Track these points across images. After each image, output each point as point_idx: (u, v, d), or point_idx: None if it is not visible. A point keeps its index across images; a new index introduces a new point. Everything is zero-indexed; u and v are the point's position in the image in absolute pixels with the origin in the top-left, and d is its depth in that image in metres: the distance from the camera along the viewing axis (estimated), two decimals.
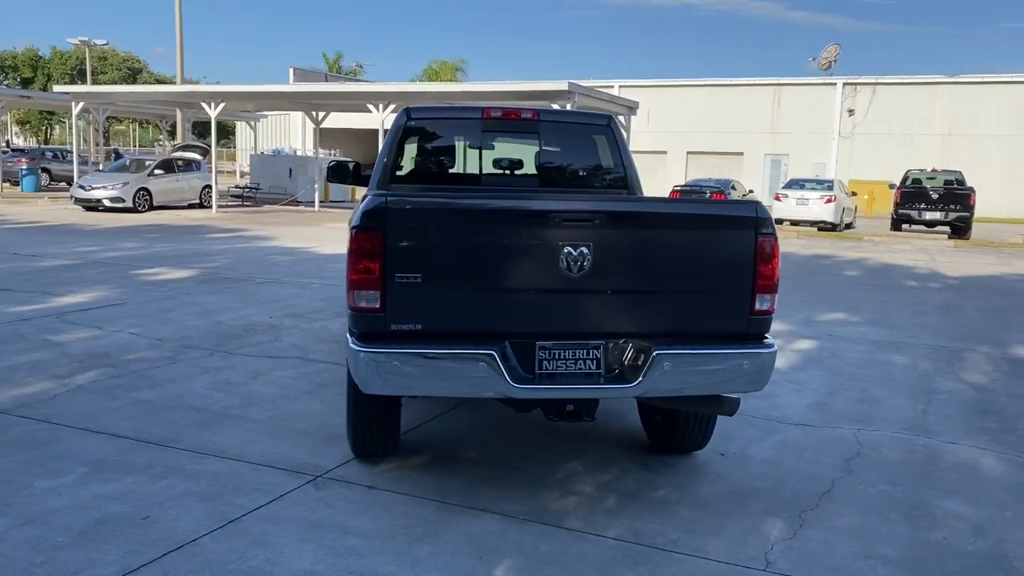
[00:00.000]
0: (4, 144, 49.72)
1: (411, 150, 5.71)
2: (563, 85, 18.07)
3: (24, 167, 30.21)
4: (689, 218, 3.94)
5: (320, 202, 25.65)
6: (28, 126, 72.84)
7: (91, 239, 15.79)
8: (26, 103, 35.03)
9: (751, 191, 28.05)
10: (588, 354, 3.81)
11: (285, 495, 4.14)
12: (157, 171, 23.47)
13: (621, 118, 22.36)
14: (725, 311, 3.89)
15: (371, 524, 3.85)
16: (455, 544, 3.67)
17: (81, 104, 24.39)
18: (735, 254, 3.85)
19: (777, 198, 24.26)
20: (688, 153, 40.38)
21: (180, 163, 24.72)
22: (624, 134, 5.82)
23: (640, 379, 3.74)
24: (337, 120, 45.65)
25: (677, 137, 40.32)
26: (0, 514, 3.83)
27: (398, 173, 5.59)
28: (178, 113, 29.82)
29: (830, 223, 23.14)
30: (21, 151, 36.97)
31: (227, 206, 25.53)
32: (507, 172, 5.81)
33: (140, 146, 71.26)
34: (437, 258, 3.68)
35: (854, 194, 27.00)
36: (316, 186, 26.04)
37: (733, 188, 25.92)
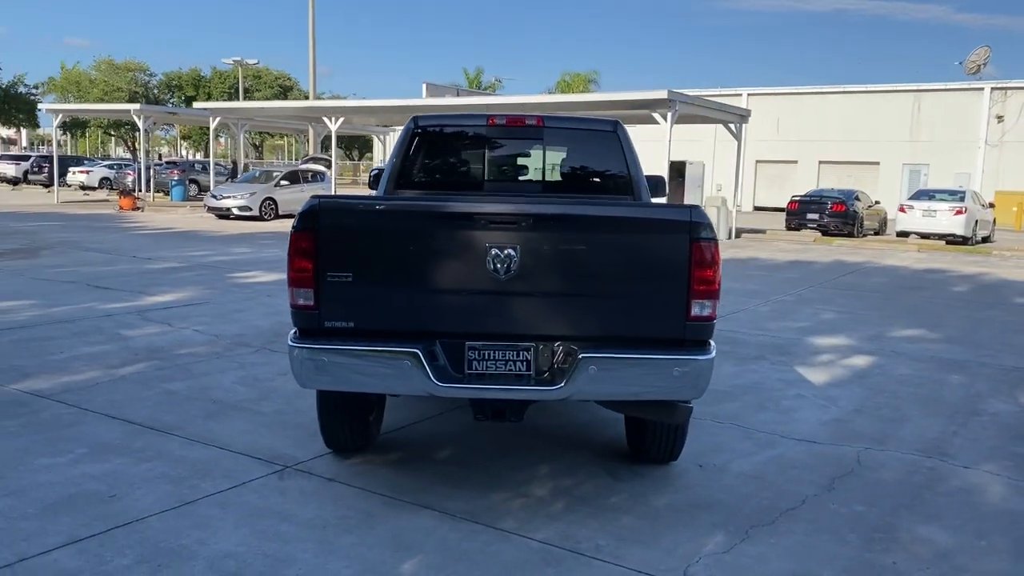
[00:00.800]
0: (158, 157, 53.67)
1: (417, 157, 5.87)
2: (662, 94, 17.85)
3: (175, 178, 32.62)
4: (620, 221, 3.89)
5: None
6: (191, 140, 78.29)
7: (207, 244, 16.88)
8: (172, 119, 37.66)
9: (877, 202, 26.69)
10: (518, 356, 3.84)
11: (248, 483, 4.37)
12: (283, 182, 24.79)
13: (732, 126, 21.85)
14: (660, 316, 3.82)
15: (311, 513, 4.01)
16: (380, 537, 3.78)
17: (218, 119, 26.09)
18: (669, 259, 3.78)
19: (902, 209, 23.01)
20: (820, 163, 38.87)
21: (308, 175, 25.99)
22: (632, 140, 5.77)
23: (565, 382, 3.74)
24: None
25: (808, 146, 38.91)
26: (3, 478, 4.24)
27: (404, 179, 5.76)
28: (310, 127, 31.35)
29: (960, 236, 21.72)
30: (174, 163, 39.87)
31: None
32: (509, 178, 5.87)
33: (295, 159, 75.25)
34: (367, 258, 3.81)
35: (991, 206, 25.21)
36: None
37: (857, 199, 24.75)
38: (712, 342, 3.97)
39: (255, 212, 23.42)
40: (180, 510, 4.00)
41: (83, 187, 39.38)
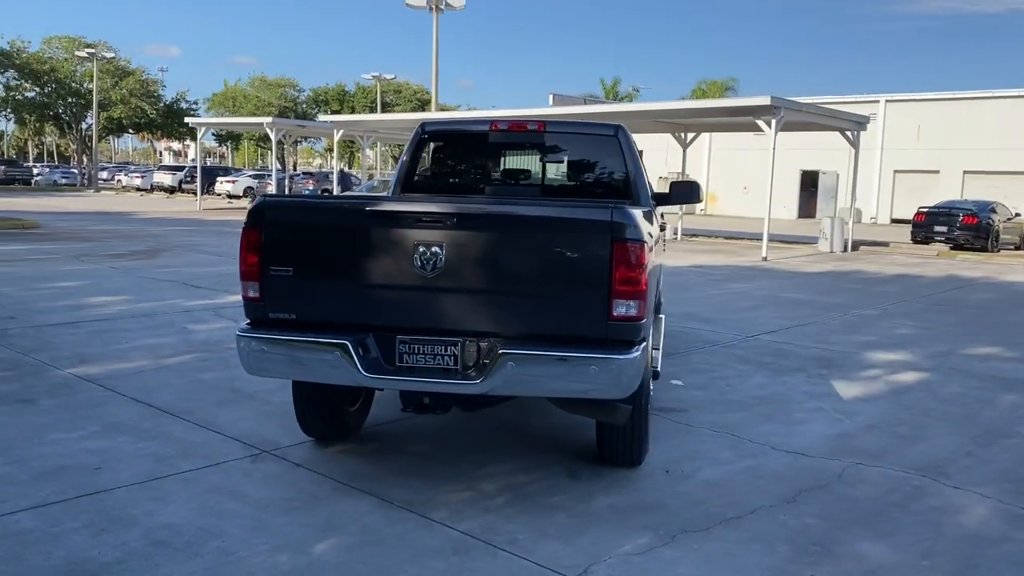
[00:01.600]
0: (292, 167, 56.53)
1: (424, 161, 6.08)
2: (765, 100, 17.37)
3: (309, 188, 34.41)
4: (541, 221, 3.94)
5: None
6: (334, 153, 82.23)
7: None
8: (301, 131, 39.59)
9: (1018, 214, 24.87)
10: (445, 351, 3.96)
11: (222, 463, 4.68)
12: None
13: (849, 133, 20.98)
14: (581, 315, 3.85)
15: (262, 494, 4.26)
16: (313, 519, 3.98)
17: (341, 131, 27.32)
18: (589, 259, 3.81)
19: None
20: (965, 172, 36.61)
21: None
22: (634, 144, 5.77)
23: (485, 377, 3.83)
24: None
25: (952, 155, 36.76)
26: (7, 450, 4.73)
27: (409, 183, 5.99)
28: None
29: None
30: (309, 174, 41.98)
31: None
32: (510, 182, 5.99)
33: None
34: (306, 253, 4.04)
35: None
36: None
37: (993, 211, 23.20)
38: (643, 342, 3.95)
39: None
40: (147, 484, 4.34)
41: (229, 196, 42.09)
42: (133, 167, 67.90)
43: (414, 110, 74.57)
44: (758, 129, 18.48)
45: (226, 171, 48.07)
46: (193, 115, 60.87)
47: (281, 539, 3.75)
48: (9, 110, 63.16)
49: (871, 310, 11.35)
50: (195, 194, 42.33)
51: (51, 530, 3.77)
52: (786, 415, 5.99)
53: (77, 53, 55.32)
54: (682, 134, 23.55)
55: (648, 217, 5.07)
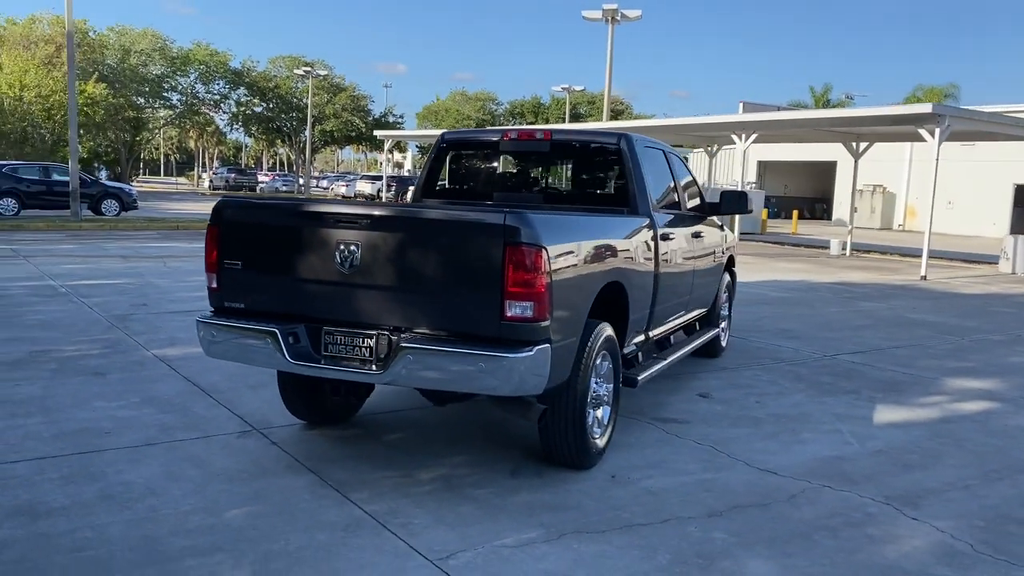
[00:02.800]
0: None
1: (441, 170, 6.41)
2: (926, 108, 16.18)
3: None
4: (440, 224, 4.14)
5: None
6: None
7: None
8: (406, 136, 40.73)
9: None
10: (362, 342, 4.27)
11: (211, 436, 5.24)
12: None
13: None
14: (478, 314, 4.03)
15: (222, 464, 4.76)
16: (246, 489, 4.41)
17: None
18: (484, 261, 3.98)
19: None
20: None
21: None
22: (642, 153, 5.77)
23: (388, 369, 4.11)
24: (787, 153, 45.21)
25: None
26: (45, 412, 5.55)
27: (428, 190, 6.34)
28: None
29: None
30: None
31: None
32: (516, 189, 6.18)
33: None
34: (251, 249, 4.49)
35: None
36: None
37: None
38: (545, 343, 4.05)
39: None
40: (137, 449, 4.96)
41: None
42: (350, 176, 72.93)
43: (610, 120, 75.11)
44: (920, 139, 17.21)
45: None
46: (398, 128, 64.58)
47: (207, 503, 4.20)
48: (239, 124, 69.95)
49: (999, 336, 10.40)
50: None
51: (33, 478, 4.43)
52: (793, 434, 5.77)
53: (296, 71, 60.30)
54: (854, 144, 22.31)
55: (626, 224, 5.15)
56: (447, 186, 6.37)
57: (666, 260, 5.89)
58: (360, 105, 66.99)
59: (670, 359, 6.19)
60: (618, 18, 32.47)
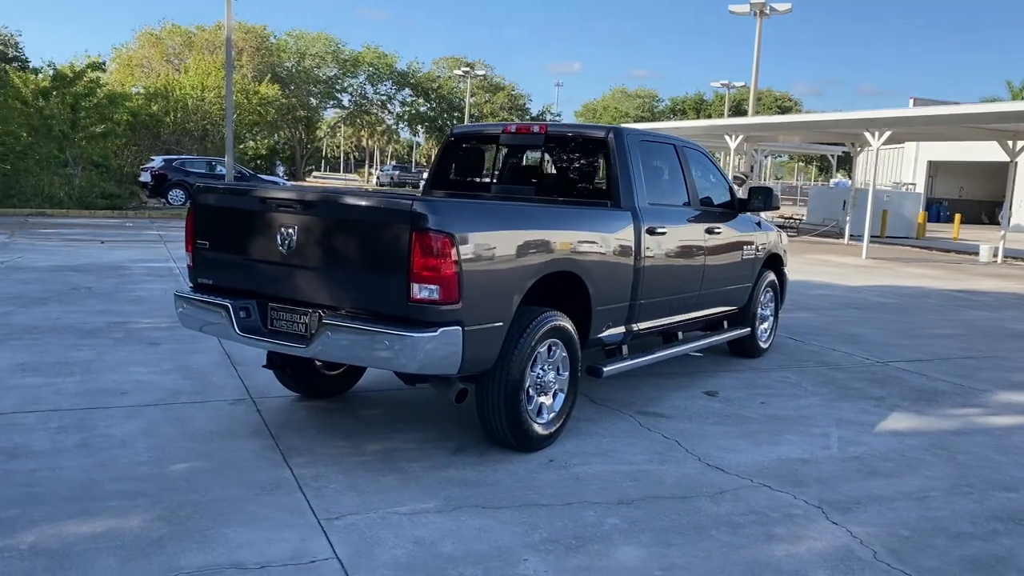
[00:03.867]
0: None
1: (450, 163, 6.68)
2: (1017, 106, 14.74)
3: None
4: (358, 209, 4.41)
5: (873, 237, 24.04)
6: None
7: None
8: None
9: None
10: (299, 318, 4.63)
11: (209, 402, 5.77)
12: None
13: None
14: (388, 295, 4.29)
15: (200, 425, 5.26)
16: (203, 448, 4.87)
17: None
18: (393, 244, 4.23)
19: None
20: None
21: None
22: (632, 147, 5.78)
23: (309, 344, 4.45)
24: (961, 152, 42.19)
25: None
26: (85, 373, 6.27)
27: (437, 182, 6.64)
28: (731, 145, 31.52)
29: None
30: None
31: None
32: (513, 181, 6.35)
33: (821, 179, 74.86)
34: (215, 231, 4.96)
35: None
36: (847, 218, 25.27)
37: None
38: (453, 325, 4.26)
39: None
40: (136, 408, 5.55)
41: None
42: None
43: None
44: None
45: None
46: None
47: (160, 457, 4.70)
48: (404, 123, 72.99)
49: None
50: None
51: (35, 425, 5.10)
52: (774, 435, 5.65)
53: (455, 72, 62.23)
54: (1009, 142, 20.64)
55: (591, 216, 5.27)
56: (453, 178, 6.64)
57: (652, 255, 5.90)
58: (517, 104, 68.27)
59: (652, 356, 6.21)
60: (767, 12, 31.45)
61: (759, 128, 23.76)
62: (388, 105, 68.04)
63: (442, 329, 4.24)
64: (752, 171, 30.70)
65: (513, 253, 4.63)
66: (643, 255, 5.80)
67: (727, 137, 23.52)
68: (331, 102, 63.27)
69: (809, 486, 4.73)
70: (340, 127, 75.07)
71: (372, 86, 65.78)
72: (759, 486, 4.69)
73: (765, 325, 8.13)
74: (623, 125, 6.36)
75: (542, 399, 5.06)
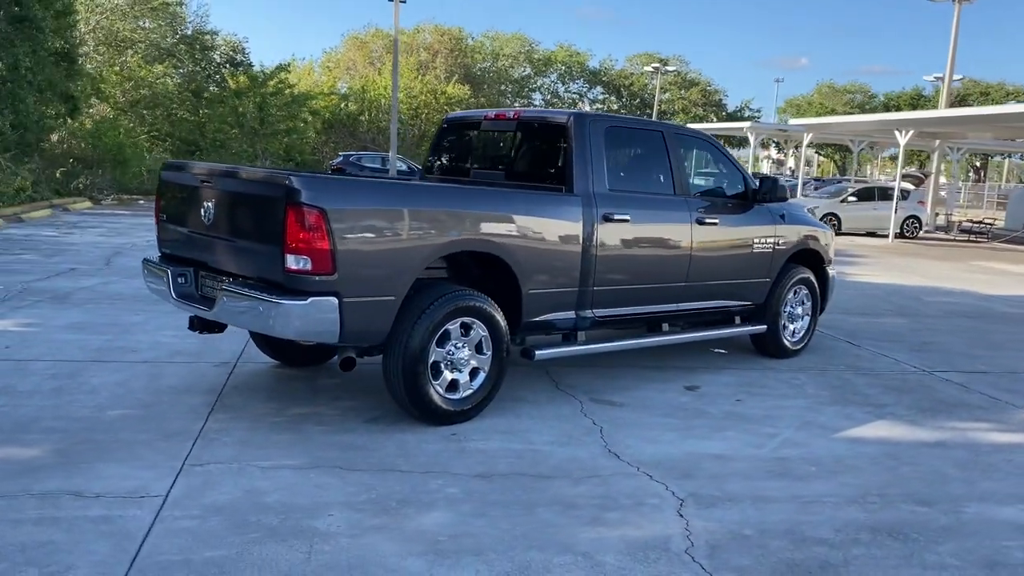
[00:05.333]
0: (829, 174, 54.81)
1: (441, 149, 6.92)
2: None
3: None
4: (248, 183, 4.78)
5: None
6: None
7: None
8: (781, 135, 38.33)
9: None
10: (216, 284, 5.08)
11: (196, 363, 6.39)
12: (851, 198, 24.22)
13: None
14: (271, 265, 4.62)
15: (168, 382, 5.86)
16: (152, 399, 5.44)
17: (810, 135, 26.55)
18: (274, 217, 4.56)
19: None
20: None
21: (888, 191, 24.77)
22: (592, 134, 5.72)
23: (213, 308, 4.89)
24: None
25: None
26: (118, 333, 7.11)
27: (428, 168, 6.92)
28: (900, 141, 29.05)
29: None
30: (821, 180, 40.94)
31: (931, 238, 24.56)
32: (488, 167, 6.49)
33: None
34: (169, 204, 5.52)
35: None
36: None
37: None
38: (328, 295, 4.53)
39: None
40: (131, 364, 6.24)
41: None
42: None
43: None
44: None
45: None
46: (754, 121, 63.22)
47: (107, 404, 5.29)
48: None
49: None
50: None
51: (36, 370, 5.90)
52: (715, 431, 5.47)
53: (644, 68, 61.74)
54: None
55: (518, 199, 5.41)
56: (444, 163, 6.88)
57: (611, 242, 5.87)
58: (712, 99, 66.60)
59: (601, 345, 6.20)
60: None
61: (931, 123, 21.93)
62: (579, 103, 68.57)
63: (312, 298, 4.53)
64: (932, 171, 28.35)
65: (402, 230, 4.82)
66: (596, 242, 5.78)
67: (896, 133, 21.88)
68: (520, 101, 64.64)
69: (695, 479, 4.59)
70: None
71: (563, 84, 66.60)
72: (639, 475, 4.61)
73: (796, 325, 7.72)
74: (589, 111, 6.30)
75: (455, 375, 5.20)
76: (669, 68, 61.66)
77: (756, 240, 7.08)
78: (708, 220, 6.60)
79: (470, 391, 5.27)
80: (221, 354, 6.64)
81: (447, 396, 5.16)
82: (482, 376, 5.32)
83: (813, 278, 7.77)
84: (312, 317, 4.55)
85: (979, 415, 6.21)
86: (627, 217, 5.97)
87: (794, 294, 7.63)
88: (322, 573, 3.36)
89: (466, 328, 5.21)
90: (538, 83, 66.21)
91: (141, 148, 26.12)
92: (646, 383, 6.52)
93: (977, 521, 4.26)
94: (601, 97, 69.59)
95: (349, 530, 3.75)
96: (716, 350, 7.83)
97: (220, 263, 5.08)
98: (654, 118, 61.47)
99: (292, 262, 4.52)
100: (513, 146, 6.46)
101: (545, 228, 5.53)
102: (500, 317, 5.31)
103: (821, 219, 22.94)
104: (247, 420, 5.13)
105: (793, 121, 30.42)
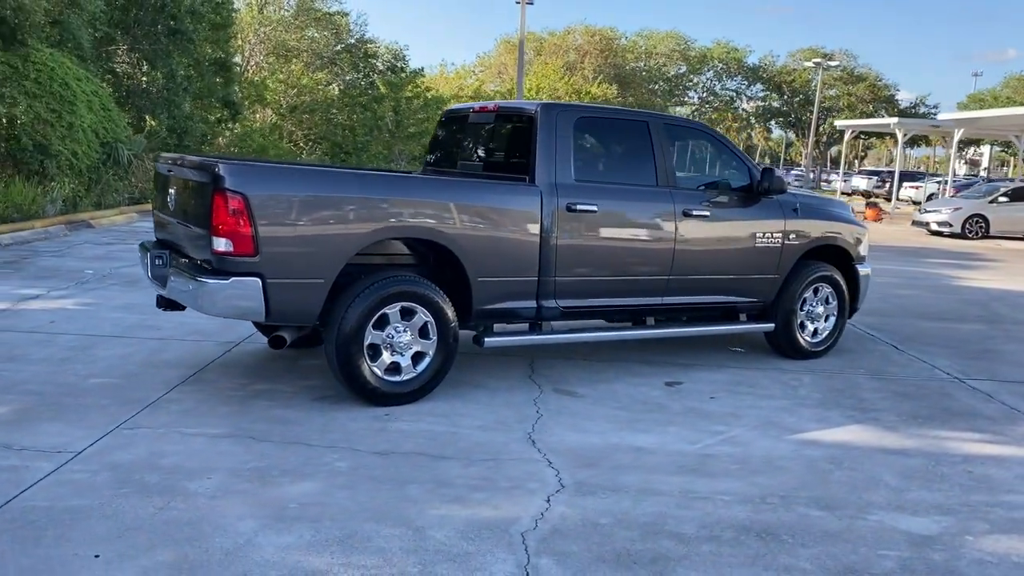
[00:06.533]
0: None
1: (438, 142, 7.09)
2: None
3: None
4: (192, 171, 5.13)
5: None
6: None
7: None
8: (932, 131, 35.42)
9: None
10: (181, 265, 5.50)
11: (203, 342, 6.90)
12: (1002, 199, 22.32)
13: None
14: (205, 246, 4.97)
15: (165, 357, 6.38)
16: (135, 371, 5.95)
17: (961, 130, 24.67)
18: (206, 201, 4.91)
19: None
20: None
21: None
22: (557, 126, 5.70)
23: (166, 286, 5.31)
24: None
25: None
26: (158, 316, 7.77)
27: (426, 161, 7.14)
28: None
29: None
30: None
31: None
32: (470, 158, 6.60)
33: None
34: (155, 194, 6.02)
35: None
36: None
37: None
38: (249, 276, 4.84)
39: (955, 229, 21.89)
40: (143, 340, 6.82)
41: (913, 202, 40.53)
42: (851, 173, 68.78)
43: None
44: None
45: (914, 176, 46.23)
46: (929, 119, 59.31)
47: (94, 373, 5.84)
48: (756, 119, 71.03)
49: None
50: (885, 199, 41.56)
51: (59, 343, 6.57)
52: (656, 425, 5.37)
53: (804, 64, 59.17)
54: None
55: (463, 188, 5.62)
56: (441, 155, 7.05)
57: (574, 232, 5.87)
58: (880, 95, 62.90)
59: (553, 336, 6.21)
60: None
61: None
62: (736, 101, 66.67)
63: (234, 279, 4.84)
64: None
65: (327, 217, 5.05)
66: (557, 232, 5.79)
67: None
68: (673, 100, 63.53)
69: (595, 469, 4.56)
70: None
71: (720, 82, 64.96)
72: (539, 462, 4.63)
73: (816, 326, 7.33)
74: (559, 101, 6.29)
75: (396, 358, 5.38)
76: (832, 63, 58.69)
77: (759, 234, 6.80)
78: (696, 212, 6.42)
79: (413, 374, 5.43)
80: (233, 333, 7.11)
81: (387, 378, 5.35)
82: (427, 360, 5.47)
83: (839, 276, 7.36)
84: (236, 296, 4.86)
85: (979, 425, 5.72)
86: (593, 208, 5.93)
87: (814, 292, 7.26)
88: (158, 527, 3.64)
89: (408, 313, 5.37)
90: (693, 81, 64.98)
91: (284, 151, 27.83)
92: (628, 376, 6.44)
93: (870, 529, 3.99)
94: (761, 94, 67.43)
95: (213, 492, 4.01)
96: (734, 348, 7.58)
97: (182, 246, 5.51)
98: (814, 116, 58.86)
99: (218, 244, 4.85)
100: (492, 138, 6.55)
101: (496, 217, 5.61)
102: (444, 303, 5.44)
103: (966, 221, 21.39)
104: (206, 393, 5.52)
105: (941, 116, 28.26)
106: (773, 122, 71.03)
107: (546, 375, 6.36)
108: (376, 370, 5.31)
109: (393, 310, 5.31)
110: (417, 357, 5.46)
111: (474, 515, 3.92)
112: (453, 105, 7.54)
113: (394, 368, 5.39)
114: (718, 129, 67.66)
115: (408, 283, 5.32)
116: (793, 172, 69.45)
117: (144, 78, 23.16)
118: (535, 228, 5.74)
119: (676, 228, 6.33)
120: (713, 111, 68.77)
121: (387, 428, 5.04)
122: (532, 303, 5.89)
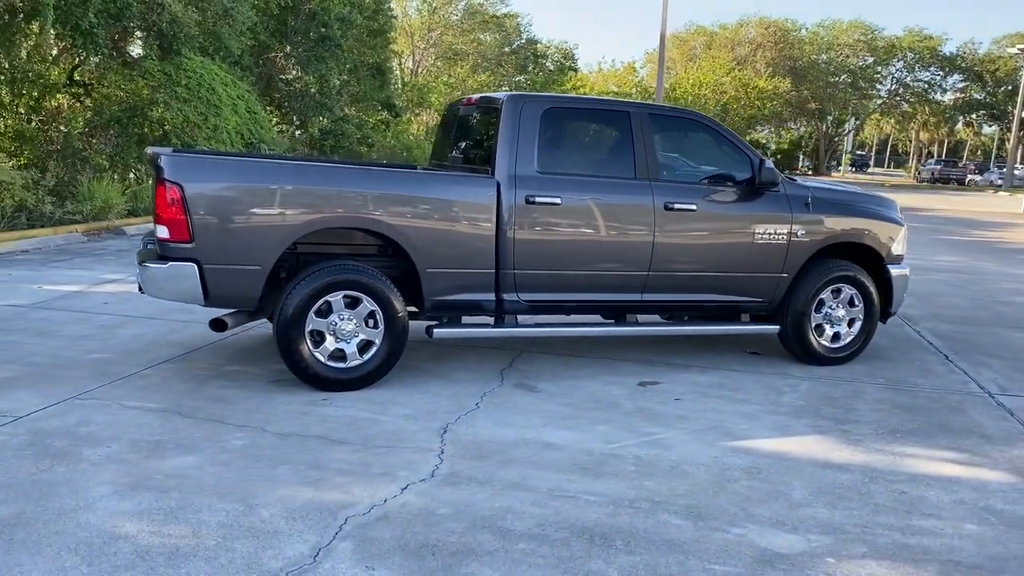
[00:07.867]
0: None
1: (440, 134, 7.16)
2: None
3: None
4: (150, 162, 5.45)
5: None
6: None
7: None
8: None
9: None
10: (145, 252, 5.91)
11: (191, 322, 7.37)
12: None
13: None
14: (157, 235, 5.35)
15: (153, 338, 6.90)
16: (136, 349, 6.49)
17: None
18: (155, 192, 5.28)
19: None
20: None
21: None
22: (521, 118, 5.58)
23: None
24: None
25: None
26: (162, 311, 8.39)
27: (434, 153, 7.25)
28: None
29: None
30: None
31: None
32: (454, 152, 6.63)
33: None
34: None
35: None
36: None
37: None
38: (185, 261, 5.16)
39: None
40: (168, 322, 7.37)
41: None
42: None
43: None
44: None
45: None
46: None
47: (106, 347, 6.42)
48: (955, 111, 65.59)
49: None
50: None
51: (95, 321, 7.25)
52: (589, 423, 5.19)
53: (1008, 50, 54.06)
54: None
55: (412, 179, 5.77)
56: (441, 148, 7.11)
57: (534, 225, 5.81)
58: None
59: (502, 330, 6.11)
60: None
61: None
62: (930, 93, 61.87)
63: (171, 263, 5.18)
64: None
65: (264, 206, 5.28)
66: (515, 224, 5.75)
67: None
68: (857, 92, 59.80)
69: (481, 462, 4.51)
70: (874, 118, 70.53)
71: (910, 72, 60.54)
72: (429, 451, 4.61)
73: (838, 330, 6.80)
74: (526, 92, 6.18)
75: (340, 345, 5.54)
76: None
77: (759, 229, 6.40)
78: (680, 206, 6.15)
79: (358, 361, 5.57)
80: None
81: (331, 364, 5.52)
82: (374, 349, 5.59)
83: (865, 277, 6.78)
84: (173, 280, 5.20)
85: (965, 444, 5.13)
86: (556, 200, 5.83)
87: (834, 294, 6.74)
88: (26, 485, 3.97)
89: (353, 301, 5.51)
90: (880, 73, 61.01)
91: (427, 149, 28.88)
92: (606, 375, 6.27)
93: (722, 542, 3.72)
94: (961, 85, 62.35)
95: (99, 460, 4.32)
96: (750, 351, 7.19)
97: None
98: (1018, 107, 53.57)
99: (160, 231, 5.21)
100: (472, 130, 6.57)
101: (448, 209, 5.64)
102: (390, 292, 5.54)
103: None
104: (177, 371, 5.92)
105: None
106: (974, 115, 65.38)
107: (522, 370, 6.31)
108: (319, 356, 5.49)
109: (336, 298, 5.47)
110: (366, 345, 5.59)
111: (317, 498, 3.99)
112: (456, 100, 7.60)
113: (339, 355, 5.54)
114: (913, 123, 62.80)
115: (350, 272, 5.46)
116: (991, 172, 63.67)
117: (297, 84, 24.70)
118: (490, 220, 5.71)
119: (655, 222, 6.08)
120: (905, 104, 64.32)
121: (311, 412, 5.19)
122: (491, 296, 5.86)
